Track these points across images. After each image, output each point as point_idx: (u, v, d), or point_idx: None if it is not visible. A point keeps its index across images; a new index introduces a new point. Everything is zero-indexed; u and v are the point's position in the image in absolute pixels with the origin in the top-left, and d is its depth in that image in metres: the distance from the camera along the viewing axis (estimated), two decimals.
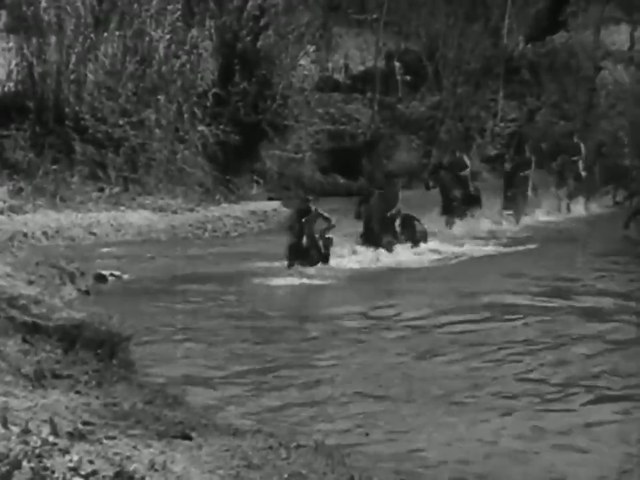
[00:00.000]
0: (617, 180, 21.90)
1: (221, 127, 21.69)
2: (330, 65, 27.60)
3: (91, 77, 20.12)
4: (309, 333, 11.50)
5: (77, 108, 19.82)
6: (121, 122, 20.12)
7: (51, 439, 5.96)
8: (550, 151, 22.79)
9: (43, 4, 20.11)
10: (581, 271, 15.31)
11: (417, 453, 7.75)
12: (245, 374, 9.78)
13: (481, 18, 27.84)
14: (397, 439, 8.02)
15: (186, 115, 21.30)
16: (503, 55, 27.39)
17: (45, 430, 6.16)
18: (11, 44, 20.39)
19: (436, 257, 16.25)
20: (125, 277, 14.13)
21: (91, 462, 5.67)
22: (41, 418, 6.51)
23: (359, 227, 16.23)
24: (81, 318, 10.19)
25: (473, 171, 24.38)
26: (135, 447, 6.19)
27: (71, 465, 5.55)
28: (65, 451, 5.74)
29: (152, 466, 5.82)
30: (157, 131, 20.68)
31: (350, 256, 15.60)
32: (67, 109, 19.78)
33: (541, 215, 20.48)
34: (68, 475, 5.39)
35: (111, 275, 14.02)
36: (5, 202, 17.91)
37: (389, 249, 15.97)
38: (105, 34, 20.50)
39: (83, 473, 5.47)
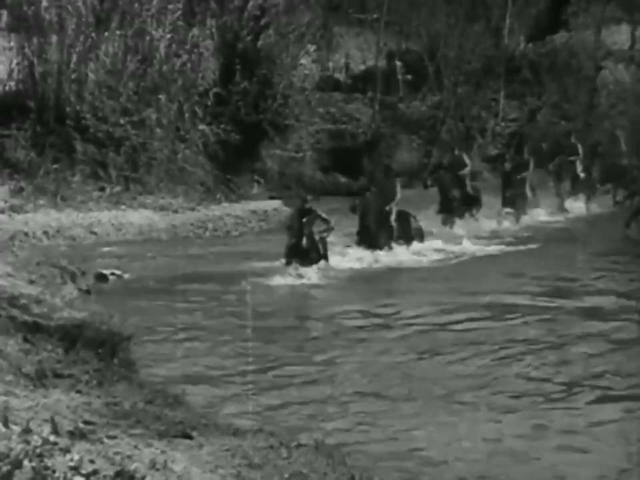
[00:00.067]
0: (615, 179, 21.91)
1: (222, 126, 21.68)
2: (331, 64, 27.59)
3: (92, 76, 20.12)
4: (309, 332, 11.52)
5: (77, 107, 19.82)
6: (121, 121, 20.11)
7: (52, 438, 5.96)
8: (548, 151, 22.78)
9: (44, 3, 20.11)
10: (581, 271, 15.32)
11: (417, 452, 7.76)
12: (246, 373, 9.78)
13: (482, 18, 27.83)
14: (398, 438, 8.03)
15: (187, 114, 21.29)
16: (504, 55, 27.37)
17: (46, 429, 6.16)
18: (12, 43, 20.38)
19: (436, 256, 16.23)
20: (126, 276, 14.13)
21: (91, 461, 5.67)
22: (42, 417, 6.52)
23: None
24: (81, 317, 10.21)
25: (474, 170, 24.41)
26: (135, 447, 6.19)
27: (72, 464, 5.55)
28: (66, 450, 5.75)
29: (153, 465, 5.83)
30: (158, 130, 20.67)
31: (350, 256, 15.58)
32: (67, 108, 19.77)
33: (541, 215, 20.48)
34: (69, 474, 5.39)
35: (112, 274, 14.02)
36: (5, 201, 17.91)
37: (385, 248, 15.89)
38: (106, 33, 20.49)
39: (83, 472, 5.47)
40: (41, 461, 5.47)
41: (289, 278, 14.12)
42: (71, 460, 5.61)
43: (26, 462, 5.39)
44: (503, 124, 26.96)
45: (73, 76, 20.03)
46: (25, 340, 9.00)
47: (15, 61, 20.35)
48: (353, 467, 6.78)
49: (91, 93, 20.05)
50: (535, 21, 29.55)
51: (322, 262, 14.83)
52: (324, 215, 14.99)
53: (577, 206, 21.60)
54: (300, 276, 14.15)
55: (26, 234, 16.73)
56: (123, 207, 18.96)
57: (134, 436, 6.51)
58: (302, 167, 23.30)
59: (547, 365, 10.15)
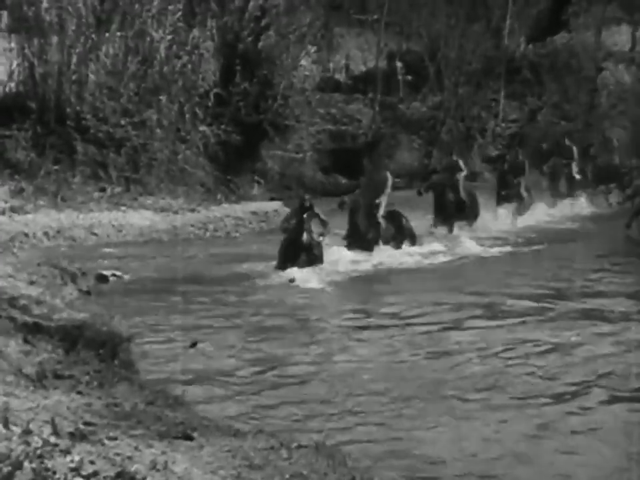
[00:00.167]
0: (609, 181, 21.94)
1: (222, 127, 21.70)
2: (331, 65, 27.62)
3: (92, 77, 20.13)
4: (309, 332, 11.50)
5: (78, 108, 19.83)
6: (122, 122, 20.13)
7: (52, 439, 5.96)
8: (543, 152, 22.78)
9: (45, 4, 20.12)
10: (582, 272, 15.30)
11: (419, 452, 7.75)
12: (246, 373, 9.78)
13: (482, 18, 27.86)
14: (399, 439, 8.02)
15: (187, 115, 21.31)
16: (504, 56, 27.40)
17: (46, 430, 6.16)
18: (12, 44, 20.39)
19: (436, 257, 16.23)
20: (127, 277, 14.13)
21: (92, 462, 5.67)
22: (42, 418, 6.51)
23: None
24: (82, 318, 10.21)
25: (475, 171, 24.47)
26: (136, 448, 6.19)
27: (72, 465, 5.55)
28: (66, 452, 5.74)
29: (153, 466, 5.83)
30: (159, 131, 20.68)
31: (348, 256, 15.56)
32: (68, 109, 19.78)
33: (539, 216, 20.48)
34: (69, 476, 5.39)
35: (113, 275, 14.02)
36: (6, 202, 17.91)
37: (374, 247, 15.78)
38: (107, 34, 20.51)
39: (84, 473, 5.47)
40: (42, 462, 5.47)
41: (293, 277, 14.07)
42: (72, 461, 5.60)
43: (26, 463, 5.39)
44: (503, 124, 27.00)
45: (74, 77, 20.04)
46: (25, 341, 8.99)
47: (15, 62, 20.36)
48: (354, 467, 6.78)
49: (92, 93, 20.06)
50: (535, 22, 29.58)
51: (318, 264, 14.63)
52: (322, 215, 14.85)
53: (576, 206, 21.63)
54: (292, 281, 13.86)
55: (26, 235, 16.73)
56: (123, 207, 18.96)
57: (134, 437, 6.50)
58: (302, 168, 23.32)
59: (550, 366, 10.13)
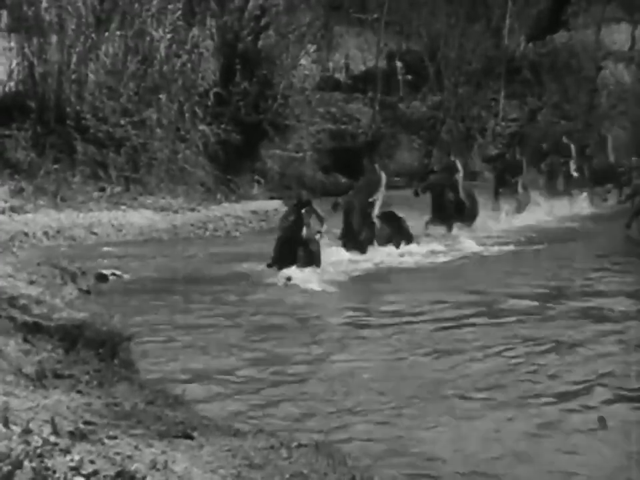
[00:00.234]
0: (605, 180, 21.94)
1: (222, 126, 21.70)
2: (331, 64, 27.63)
3: (92, 76, 20.12)
4: (309, 331, 11.49)
5: (78, 108, 19.82)
6: (122, 121, 20.12)
7: (52, 438, 5.96)
8: (541, 150, 22.77)
9: (44, 4, 20.12)
10: (582, 271, 15.29)
11: (419, 451, 7.75)
12: (246, 372, 9.78)
13: (482, 18, 27.88)
14: (399, 437, 8.02)
15: (187, 115, 21.31)
16: (504, 55, 27.41)
17: (46, 430, 6.16)
18: (12, 44, 20.38)
19: (435, 256, 16.24)
20: (126, 276, 14.13)
21: (92, 462, 5.67)
22: (42, 418, 6.51)
23: None
24: (82, 318, 10.20)
25: (475, 171, 24.49)
26: (136, 447, 6.19)
27: (72, 464, 5.55)
28: (66, 451, 5.74)
29: (153, 466, 5.83)
30: (158, 130, 20.68)
31: (348, 256, 15.57)
32: (68, 109, 19.78)
33: (540, 215, 20.48)
34: (69, 475, 5.39)
35: (112, 274, 14.02)
36: (6, 202, 17.91)
37: (365, 248, 15.76)
38: (106, 33, 20.50)
39: (84, 472, 5.47)
40: (41, 462, 5.47)
41: (292, 276, 14.06)
42: (72, 460, 5.60)
43: (26, 462, 5.39)
44: (503, 124, 27.01)
45: (73, 76, 20.04)
46: (25, 340, 8.99)
47: (15, 62, 20.36)
48: (354, 466, 6.78)
49: (91, 93, 20.06)
50: (535, 21, 29.60)
51: (316, 261, 14.52)
52: (320, 212, 14.73)
53: (575, 206, 21.63)
54: (288, 279, 13.80)
55: (26, 234, 16.72)
56: (123, 207, 18.96)
57: (134, 436, 6.50)
58: (302, 167, 23.32)
59: (550, 365, 10.13)
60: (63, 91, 19.89)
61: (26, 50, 20.20)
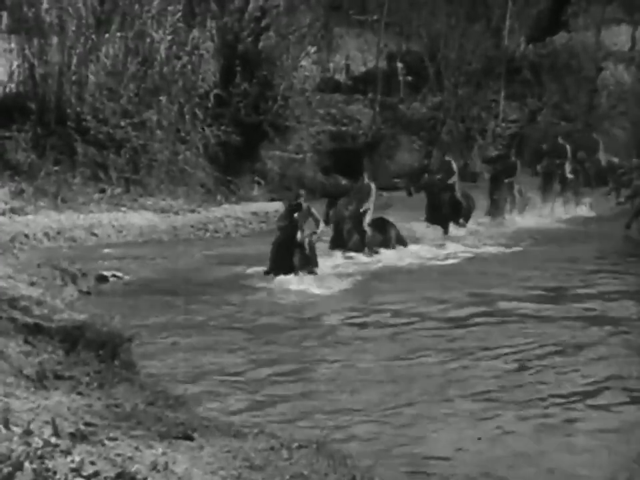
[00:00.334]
0: (600, 182, 21.91)
1: (222, 127, 21.69)
2: (331, 65, 27.61)
3: (92, 78, 20.11)
4: (308, 332, 11.50)
5: (78, 109, 19.81)
6: (122, 123, 20.11)
7: (53, 440, 5.97)
8: (537, 152, 22.73)
9: (45, 5, 20.11)
10: (583, 272, 15.28)
11: (420, 452, 7.76)
12: (245, 372, 9.80)
13: (482, 18, 27.86)
14: (400, 438, 8.03)
15: (187, 116, 21.29)
16: (504, 56, 27.39)
17: (47, 431, 6.16)
18: (12, 45, 20.37)
19: (434, 257, 16.23)
20: (127, 277, 14.14)
21: (92, 463, 5.68)
22: (43, 419, 6.52)
23: None
24: (82, 319, 10.21)
25: (475, 171, 24.49)
26: (136, 448, 6.19)
27: (73, 465, 5.56)
28: (67, 452, 5.75)
29: (154, 467, 5.83)
30: (159, 132, 20.67)
31: (341, 258, 15.58)
32: (68, 110, 19.77)
33: (539, 217, 20.46)
34: (70, 476, 5.40)
35: (113, 275, 14.03)
36: (6, 203, 17.90)
37: (360, 250, 15.76)
38: (107, 35, 20.49)
39: (84, 474, 5.48)
40: (42, 463, 5.47)
41: (290, 280, 14.06)
42: (72, 462, 5.61)
43: (27, 464, 5.39)
44: (503, 125, 26.98)
45: (74, 78, 20.03)
46: (26, 342, 9.00)
47: (15, 63, 20.34)
48: (354, 467, 6.79)
49: (92, 94, 20.04)
50: (535, 22, 29.57)
51: (313, 265, 14.48)
52: (316, 214, 14.72)
53: (574, 208, 21.60)
54: (281, 287, 13.72)
55: (27, 236, 16.73)
56: (123, 208, 18.96)
57: (135, 437, 6.51)
58: (302, 169, 23.30)
59: (551, 366, 10.14)
60: (63, 93, 19.88)
61: (26, 51, 20.19)
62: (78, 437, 6.20)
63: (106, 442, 6.20)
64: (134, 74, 20.64)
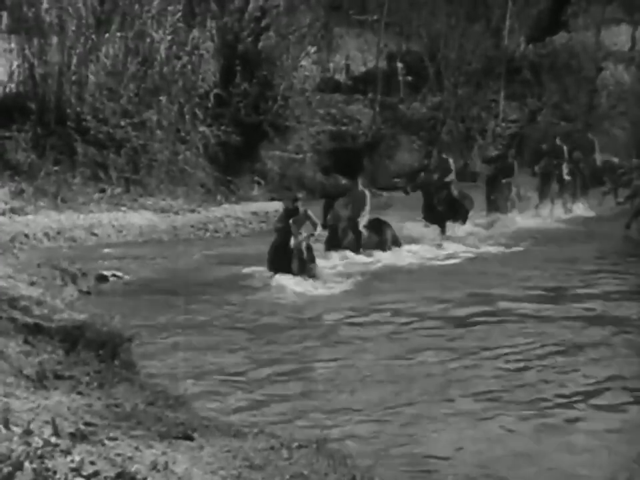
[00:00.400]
0: (595, 182, 21.89)
1: (222, 127, 21.69)
2: (331, 65, 27.61)
3: (92, 78, 20.11)
4: (308, 332, 11.50)
5: (78, 109, 19.81)
6: (122, 123, 20.11)
7: (53, 439, 5.97)
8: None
9: (45, 5, 20.10)
10: (582, 272, 15.27)
11: (420, 452, 7.75)
12: (245, 372, 9.80)
13: (482, 18, 27.86)
14: (400, 438, 8.02)
15: (187, 116, 21.29)
16: (504, 56, 27.40)
17: (47, 431, 6.16)
18: (12, 45, 20.37)
19: (432, 257, 16.23)
20: (127, 277, 14.14)
21: (92, 463, 5.68)
22: (43, 419, 6.52)
23: None
24: (82, 319, 10.21)
25: (475, 171, 24.49)
26: (136, 448, 6.19)
27: (73, 465, 5.56)
28: (67, 452, 5.75)
29: (154, 467, 5.83)
30: (159, 131, 20.67)
31: (340, 258, 15.57)
32: (68, 110, 19.76)
33: (539, 217, 20.45)
34: (70, 476, 5.40)
35: (113, 275, 14.03)
36: (6, 203, 17.90)
37: (353, 250, 15.74)
38: (107, 35, 20.49)
39: (84, 473, 5.48)
40: (42, 463, 5.47)
41: (288, 278, 14.05)
42: (72, 461, 5.61)
43: (27, 463, 5.39)
44: (503, 125, 26.98)
45: (74, 78, 20.02)
46: (26, 341, 9.00)
47: (15, 63, 20.34)
48: (354, 466, 6.79)
49: (92, 94, 20.04)
50: (535, 22, 29.58)
51: (311, 268, 14.39)
52: (313, 218, 14.62)
53: (576, 207, 21.59)
54: (281, 287, 13.69)
55: (26, 235, 16.73)
56: (123, 208, 18.95)
57: (135, 437, 6.51)
58: (302, 168, 23.30)
59: (551, 366, 10.14)
60: (63, 92, 19.88)
61: (26, 51, 20.19)
62: (78, 437, 6.20)
63: (106, 442, 6.20)
64: (134, 74, 20.64)
